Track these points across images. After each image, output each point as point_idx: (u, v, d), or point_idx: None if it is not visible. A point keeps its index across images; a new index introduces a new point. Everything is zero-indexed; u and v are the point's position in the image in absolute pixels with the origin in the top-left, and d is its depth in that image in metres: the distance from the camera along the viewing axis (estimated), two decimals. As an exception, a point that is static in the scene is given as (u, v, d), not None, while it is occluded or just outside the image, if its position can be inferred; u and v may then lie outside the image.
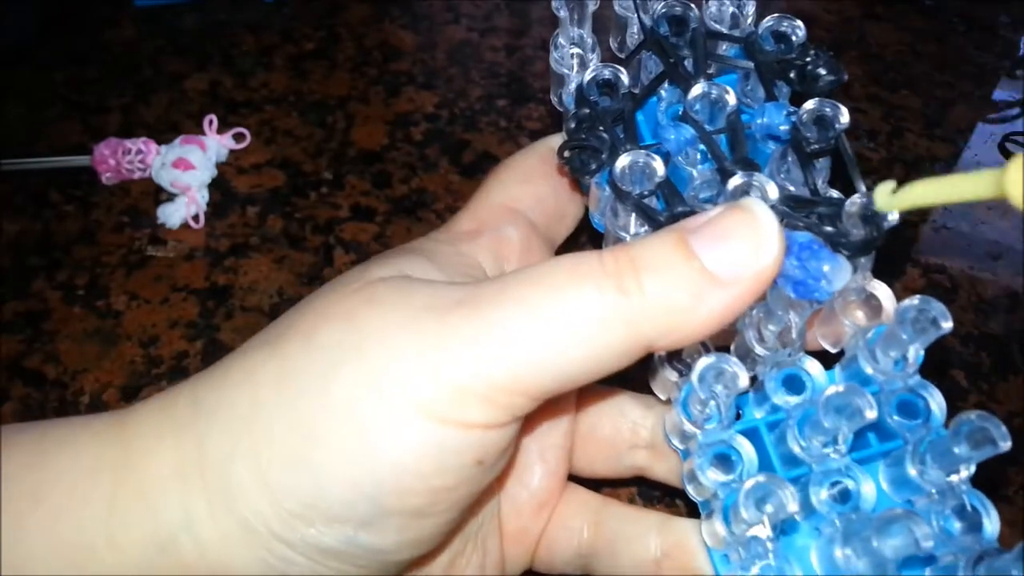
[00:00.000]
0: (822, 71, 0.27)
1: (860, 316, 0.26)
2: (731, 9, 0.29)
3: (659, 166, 0.25)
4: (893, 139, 0.51)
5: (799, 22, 0.27)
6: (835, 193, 0.26)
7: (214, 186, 0.47)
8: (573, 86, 0.28)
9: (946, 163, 0.50)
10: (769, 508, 0.23)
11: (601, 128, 0.27)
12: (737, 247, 0.21)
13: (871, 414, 0.23)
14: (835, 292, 0.23)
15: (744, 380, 0.24)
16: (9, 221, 0.45)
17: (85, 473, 0.22)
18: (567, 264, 0.22)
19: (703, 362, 0.24)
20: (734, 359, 0.24)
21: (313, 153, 0.49)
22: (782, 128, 0.27)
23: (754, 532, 0.24)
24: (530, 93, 0.52)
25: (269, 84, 0.52)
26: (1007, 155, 0.51)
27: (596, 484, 0.32)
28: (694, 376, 0.24)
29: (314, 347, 0.22)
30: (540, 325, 0.21)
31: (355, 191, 0.47)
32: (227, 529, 0.22)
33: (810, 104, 0.25)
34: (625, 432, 0.31)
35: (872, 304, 0.26)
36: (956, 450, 0.23)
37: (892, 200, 0.22)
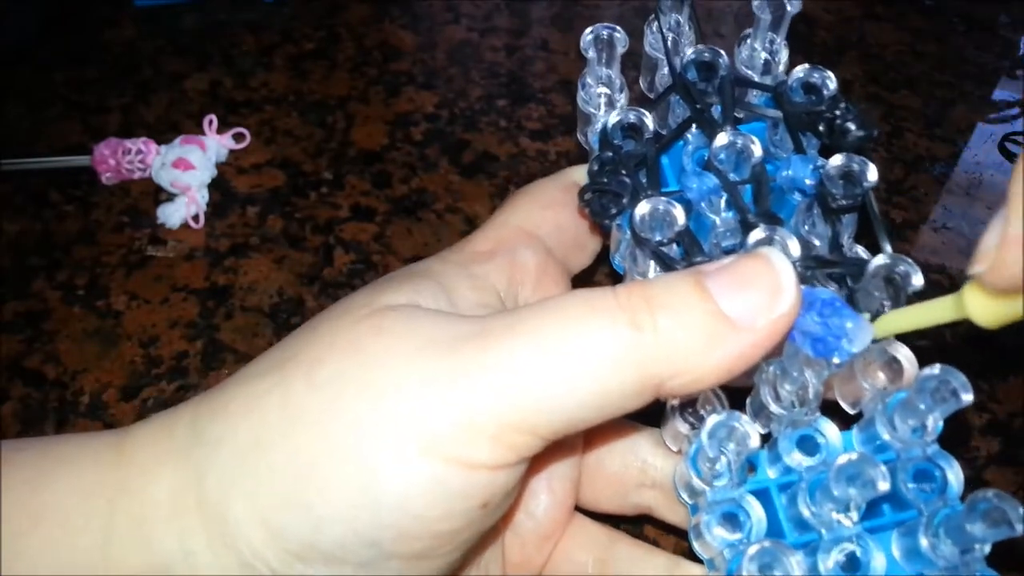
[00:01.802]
0: (851, 126, 0.26)
1: (881, 378, 0.26)
2: (763, 56, 0.29)
3: (679, 214, 0.25)
4: (893, 139, 0.51)
5: (830, 73, 0.27)
6: (861, 249, 0.26)
7: (214, 186, 0.47)
8: (599, 126, 0.28)
9: (946, 163, 0.50)
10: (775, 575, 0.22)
11: (623, 172, 0.26)
12: (754, 293, 0.21)
13: (884, 486, 0.22)
14: (855, 352, 0.22)
15: (755, 440, 0.23)
16: (9, 221, 0.45)
17: (83, 496, 0.22)
18: (581, 299, 0.22)
19: (713, 419, 0.23)
20: (745, 417, 0.24)
21: (313, 153, 0.49)
22: (808, 182, 0.26)
23: None
24: (530, 93, 0.52)
25: (269, 84, 0.52)
26: (1007, 155, 0.51)
27: (607, 520, 0.31)
28: (704, 433, 0.23)
29: (318, 380, 0.22)
30: (551, 361, 0.21)
31: (355, 191, 0.47)
32: (225, 564, 0.21)
33: (837, 159, 0.25)
34: (634, 470, 0.30)
35: (893, 367, 0.25)
36: (970, 528, 0.22)
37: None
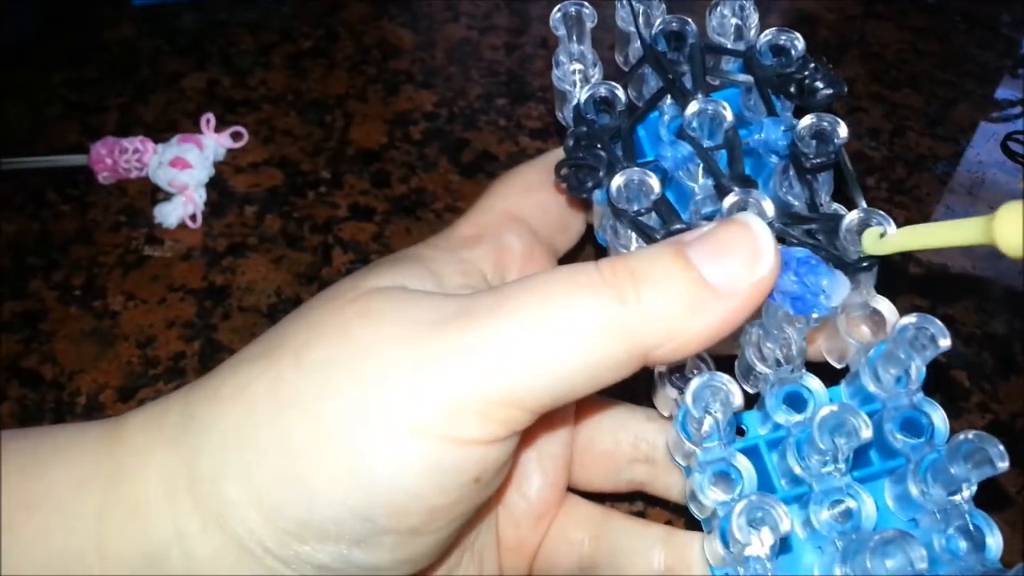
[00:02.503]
0: (820, 84, 0.26)
1: (865, 331, 0.26)
2: (735, 21, 0.29)
3: (655, 183, 0.25)
4: (895, 138, 0.51)
5: (798, 35, 0.27)
6: (838, 207, 0.26)
7: (212, 185, 0.46)
8: (574, 103, 0.28)
9: (948, 162, 0.50)
10: (764, 529, 0.23)
11: (599, 146, 0.27)
12: (734, 259, 0.22)
13: (866, 434, 0.23)
14: (834, 307, 0.23)
15: (739, 398, 0.24)
16: (6, 221, 0.45)
17: (77, 484, 0.22)
18: (564, 274, 0.22)
19: (696, 382, 0.24)
20: (728, 377, 0.24)
21: (311, 152, 0.49)
22: (780, 144, 0.26)
23: (752, 551, 0.23)
24: (530, 92, 0.52)
25: (267, 83, 0.52)
26: (1009, 154, 0.50)
27: (600, 498, 0.31)
28: (687, 395, 0.24)
29: (307, 364, 0.22)
30: (537, 336, 0.21)
31: (354, 190, 0.47)
32: (219, 545, 0.21)
33: (807, 119, 0.25)
34: (625, 446, 0.30)
35: (876, 319, 0.26)
36: (954, 470, 0.23)
37: (879, 245, 0.23)
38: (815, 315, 0.23)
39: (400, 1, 0.58)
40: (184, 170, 0.45)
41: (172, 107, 0.50)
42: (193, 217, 0.45)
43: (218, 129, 0.48)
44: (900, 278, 0.44)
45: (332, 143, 0.49)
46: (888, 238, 0.23)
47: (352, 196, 0.47)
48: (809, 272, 0.23)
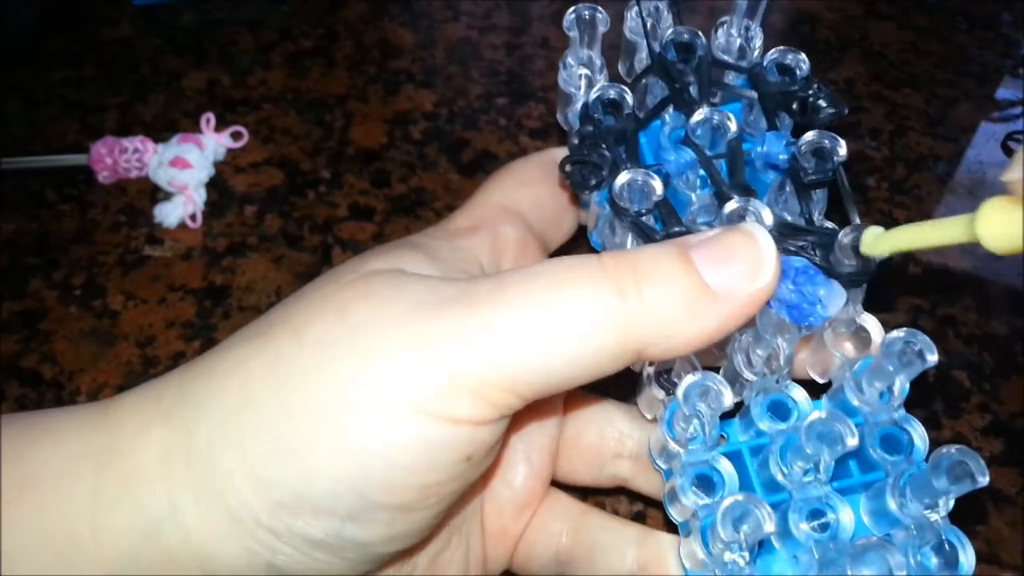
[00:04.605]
0: (823, 103, 0.27)
1: (849, 348, 0.27)
2: (739, 41, 0.30)
3: (657, 185, 0.25)
4: (895, 138, 0.51)
5: (803, 55, 0.28)
6: (830, 225, 0.27)
7: (211, 185, 0.46)
8: (579, 106, 0.29)
9: (948, 162, 0.50)
10: (746, 528, 0.23)
11: (603, 146, 0.27)
12: (736, 267, 0.22)
13: (852, 441, 0.23)
14: (829, 317, 0.24)
15: (728, 398, 0.24)
16: (5, 220, 0.45)
17: (70, 462, 0.22)
18: (566, 264, 0.22)
19: (689, 379, 0.24)
20: (719, 378, 0.24)
21: (311, 152, 0.49)
22: (781, 158, 0.27)
23: (731, 557, 0.24)
24: (530, 91, 0.52)
25: (267, 82, 0.52)
26: (1010, 154, 0.50)
27: (583, 495, 0.32)
28: (680, 392, 0.24)
29: (306, 340, 0.22)
30: (534, 323, 0.21)
31: (354, 190, 0.47)
32: (213, 518, 0.22)
33: (809, 136, 0.26)
34: (611, 441, 0.31)
35: (861, 336, 0.27)
36: (935, 484, 0.23)
37: (876, 244, 0.23)
38: (808, 324, 0.24)
39: (400, 1, 0.57)
40: (184, 170, 0.45)
41: (172, 107, 0.50)
42: (193, 217, 0.45)
43: (218, 129, 0.48)
44: (900, 278, 0.44)
45: (332, 143, 0.49)
46: (885, 237, 0.23)
47: (352, 196, 0.47)
48: (807, 282, 0.23)
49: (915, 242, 0.23)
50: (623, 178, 0.26)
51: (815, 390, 0.27)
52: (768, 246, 0.22)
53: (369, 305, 0.23)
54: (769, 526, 0.23)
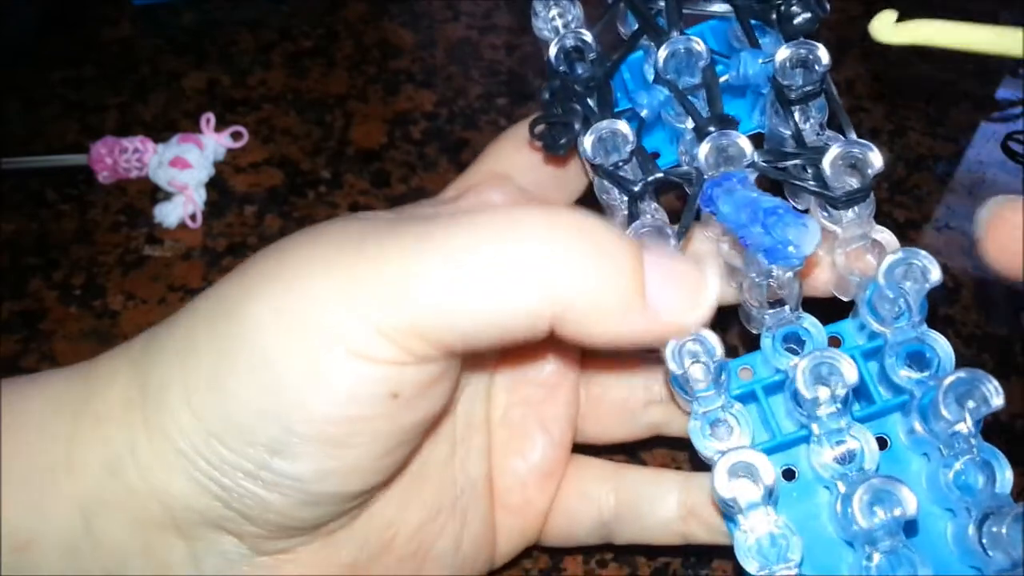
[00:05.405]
0: (797, 9, 0.25)
1: (869, 261, 0.26)
2: None
3: (627, 131, 0.24)
4: (895, 138, 0.51)
5: None
6: (833, 135, 0.26)
7: (211, 185, 0.46)
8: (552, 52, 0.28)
9: (948, 162, 0.50)
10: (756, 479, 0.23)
11: (573, 99, 0.26)
12: (676, 293, 0.22)
13: (851, 376, 0.23)
14: (804, 256, 0.23)
15: (719, 350, 0.23)
16: (5, 220, 0.45)
17: (53, 408, 0.24)
18: (509, 215, 0.22)
19: (671, 345, 0.24)
20: (706, 331, 0.24)
21: (311, 152, 0.49)
22: (760, 78, 0.26)
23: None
24: (530, 91, 0.52)
25: (267, 82, 0.52)
26: (1010, 154, 0.50)
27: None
28: (667, 353, 0.24)
29: (242, 276, 0.24)
30: (450, 272, 0.21)
31: (353, 190, 0.47)
32: (163, 452, 0.23)
33: (784, 49, 0.24)
34: (639, 390, 0.30)
35: (879, 249, 0.26)
36: (945, 411, 0.23)
37: (894, 32, 0.21)
38: (790, 265, 0.23)
39: (400, 1, 0.57)
40: (184, 170, 0.45)
41: (172, 107, 0.50)
42: (193, 217, 0.45)
43: (218, 129, 0.48)
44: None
45: (332, 143, 0.49)
46: (907, 26, 0.21)
47: (352, 196, 0.47)
48: (777, 223, 0.22)
49: (947, 39, 0.21)
50: (590, 137, 0.25)
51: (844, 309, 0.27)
52: (711, 289, 0.23)
53: (308, 241, 0.23)
54: (769, 480, 0.23)
